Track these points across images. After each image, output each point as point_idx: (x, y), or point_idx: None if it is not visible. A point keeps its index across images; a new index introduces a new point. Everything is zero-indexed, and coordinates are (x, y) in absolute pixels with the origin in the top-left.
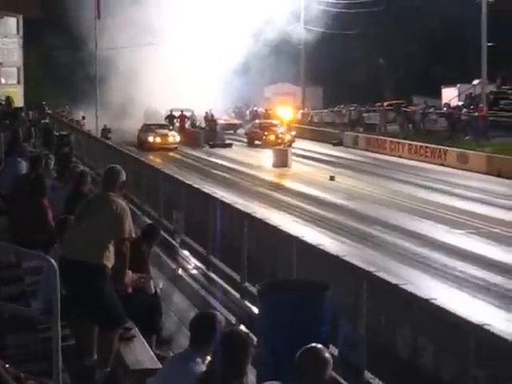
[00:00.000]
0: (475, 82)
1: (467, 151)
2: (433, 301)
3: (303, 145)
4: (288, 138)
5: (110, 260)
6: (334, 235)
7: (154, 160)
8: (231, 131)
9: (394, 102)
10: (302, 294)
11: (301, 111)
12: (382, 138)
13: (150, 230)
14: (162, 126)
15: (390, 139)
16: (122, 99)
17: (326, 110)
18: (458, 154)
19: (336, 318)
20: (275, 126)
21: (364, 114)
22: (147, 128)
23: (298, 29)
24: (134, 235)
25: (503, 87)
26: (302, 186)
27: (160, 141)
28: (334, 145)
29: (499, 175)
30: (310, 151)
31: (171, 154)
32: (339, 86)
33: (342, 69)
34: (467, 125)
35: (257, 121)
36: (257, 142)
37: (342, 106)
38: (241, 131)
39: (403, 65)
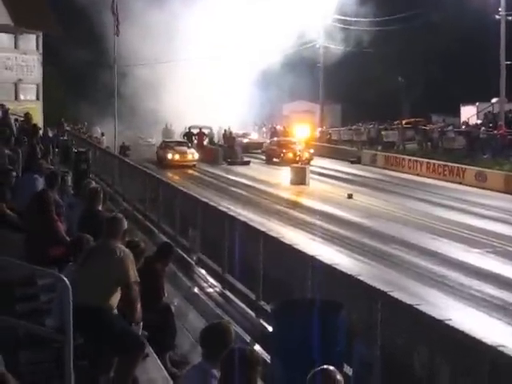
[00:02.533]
0: (494, 100)
1: (485, 170)
2: (447, 321)
3: (321, 162)
4: (306, 155)
5: (114, 302)
6: (350, 253)
7: (172, 177)
8: (258, 150)
9: (412, 120)
10: (316, 314)
11: (319, 129)
12: (400, 156)
13: (165, 249)
14: (180, 144)
15: (409, 157)
16: (143, 116)
17: (344, 128)
18: (476, 173)
19: (351, 337)
20: (293, 143)
21: (382, 132)
22: (166, 145)
23: (317, 47)
24: (137, 279)
25: None
26: (319, 203)
27: (179, 158)
28: (352, 163)
29: None
30: (327, 169)
31: (189, 171)
32: (357, 103)
33: (361, 87)
34: (485, 143)
35: (275, 138)
36: (275, 160)
37: (361, 123)
38: None
39: (422, 83)
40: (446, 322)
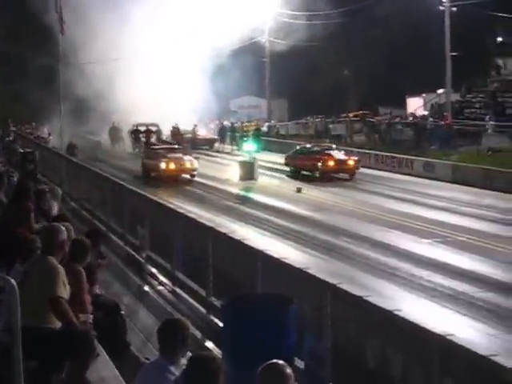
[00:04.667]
0: (440, 91)
1: (433, 160)
2: (397, 312)
3: (270, 157)
4: (351, 163)
5: (54, 318)
6: (301, 247)
7: (120, 176)
8: (207, 146)
9: (359, 112)
10: (266, 308)
11: (267, 124)
12: (348, 148)
13: (91, 235)
14: (172, 149)
15: (357, 150)
16: (91, 114)
17: (291, 122)
18: (424, 164)
19: (302, 331)
20: (331, 149)
21: (330, 126)
22: (155, 152)
23: (263, 42)
24: (67, 296)
25: (468, 96)
26: (268, 198)
27: (174, 167)
28: None
29: (465, 184)
30: (276, 163)
31: (139, 169)
32: (304, 98)
33: (307, 81)
34: (433, 134)
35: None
36: (304, 173)
37: (308, 117)
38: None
39: (368, 75)
40: (396, 312)
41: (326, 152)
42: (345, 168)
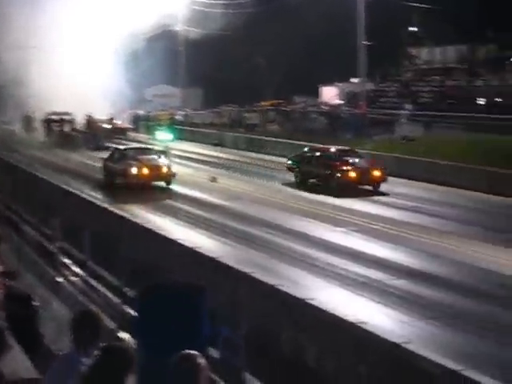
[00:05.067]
0: (354, 80)
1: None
2: (309, 301)
3: (183, 146)
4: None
5: None
6: (215, 236)
7: (33, 165)
8: (121, 136)
9: (274, 101)
10: (179, 298)
11: (181, 112)
12: (262, 137)
13: None
14: (145, 151)
15: (271, 138)
16: (6, 103)
17: (204, 111)
18: None
19: (216, 320)
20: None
21: (245, 115)
22: (122, 154)
23: (177, 30)
24: None
25: (382, 85)
26: (182, 187)
27: (149, 173)
28: (215, 145)
29: None
30: (190, 152)
31: (51, 158)
32: (219, 86)
33: (222, 69)
34: (347, 123)
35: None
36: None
37: (223, 106)
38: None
39: (283, 65)
40: (309, 301)
41: (343, 159)
42: (369, 180)
